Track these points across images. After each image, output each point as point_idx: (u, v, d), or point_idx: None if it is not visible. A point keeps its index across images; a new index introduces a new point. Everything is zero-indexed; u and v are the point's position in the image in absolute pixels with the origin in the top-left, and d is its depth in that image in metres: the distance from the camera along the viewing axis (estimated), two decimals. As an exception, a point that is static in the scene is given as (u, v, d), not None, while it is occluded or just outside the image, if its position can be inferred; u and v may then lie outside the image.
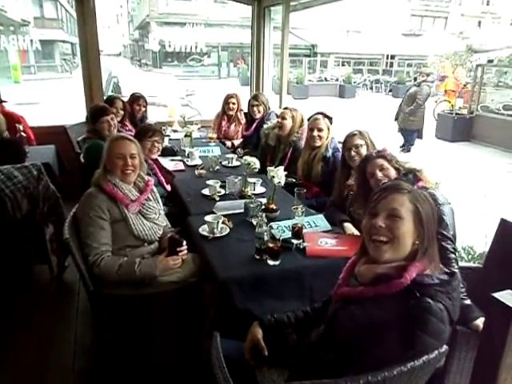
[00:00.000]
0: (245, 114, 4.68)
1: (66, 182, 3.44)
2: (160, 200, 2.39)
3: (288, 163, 3.35)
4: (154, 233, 2.22)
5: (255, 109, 4.43)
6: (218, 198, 2.71)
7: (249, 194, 2.76)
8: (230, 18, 28.57)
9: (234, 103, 4.56)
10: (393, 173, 2.07)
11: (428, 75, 8.86)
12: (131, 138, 2.31)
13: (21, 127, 3.78)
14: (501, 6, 34.14)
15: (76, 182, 3.01)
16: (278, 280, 1.90)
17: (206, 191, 2.81)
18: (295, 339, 1.50)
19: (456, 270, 1.30)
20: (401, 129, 8.76)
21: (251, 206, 2.39)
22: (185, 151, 3.87)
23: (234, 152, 4.09)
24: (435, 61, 12.92)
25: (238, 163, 3.54)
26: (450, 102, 10.38)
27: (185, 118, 4.83)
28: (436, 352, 1.15)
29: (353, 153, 2.53)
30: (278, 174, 2.38)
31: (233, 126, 4.64)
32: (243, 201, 2.51)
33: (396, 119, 8.75)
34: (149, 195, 2.27)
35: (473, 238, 2.94)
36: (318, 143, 3.09)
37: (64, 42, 31.13)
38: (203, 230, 2.21)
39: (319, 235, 2.19)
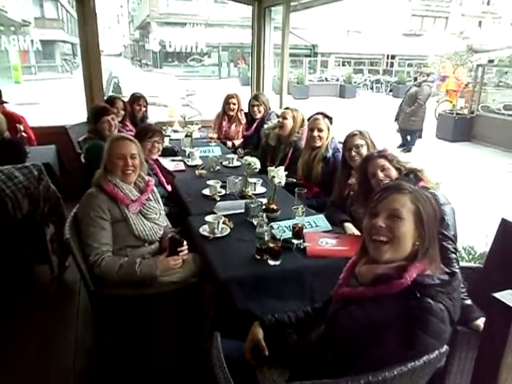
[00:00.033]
0: (245, 114, 4.69)
1: (66, 183, 3.45)
2: (160, 200, 2.39)
3: (288, 163, 3.35)
4: (155, 233, 2.22)
5: (256, 109, 4.43)
6: (218, 198, 2.71)
7: (249, 194, 2.76)
8: (231, 18, 28.58)
9: (234, 103, 4.56)
10: (394, 173, 2.07)
11: (428, 75, 8.86)
12: (131, 138, 2.32)
13: (21, 127, 3.79)
14: (501, 5, 34.11)
15: (76, 182, 3.02)
16: (279, 280, 1.90)
17: (206, 191, 2.81)
18: (296, 339, 1.50)
19: (457, 270, 1.30)
20: (401, 129, 8.75)
21: (252, 206, 2.39)
22: (185, 151, 3.87)
23: (234, 152, 4.09)
24: (435, 61, 12.90)
25: (238, 163, 3.54)
26: (451, 102, 10.37)
27: (185, 118, 4.83)
28: (436, 352, 1.15)
29: (353, 153, 2.53)
30: (279, 174, 2.38)
31: (233, 127, 4.64)
32: (244, 201, 2.52)
33: (396, 120, 8.75)
34: (149, 195, 2.27)
35: (473, 238, 2.94)
36: (318, 143, 3.09)
37: (64, 42, 31.17)
38: (204, 230, 2.21)
39: (320, 235, 2.19)
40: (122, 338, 2.11)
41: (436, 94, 12.91)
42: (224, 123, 4.66)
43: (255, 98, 4.52)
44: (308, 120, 3.26)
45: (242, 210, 2.45)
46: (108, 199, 2.09)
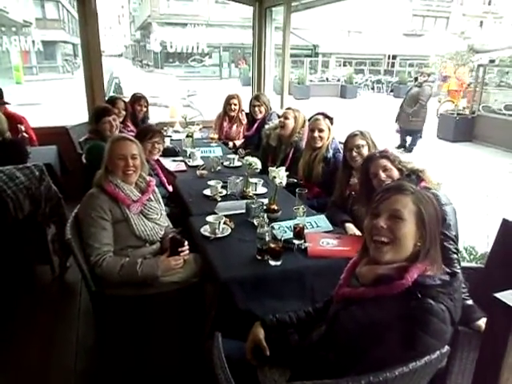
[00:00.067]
0: (246, 114, 4.69)
1: (67, 183, 3.45)
2: (162, 200, 2.39)
3: (289, 164, 3.34)
4: (156, 233, 2.22)
5: (257, 109, 4.44)
6: (219, 199, 2.71)
7: (250, 194, 2.77)
8: (231, 18, 28.61)
9: (235, 104, 4.56)
10: (396, 173, 2.07)
11: (429, 75, 8.84)
12: (132, 138, 2.32)
13: (23, 128, 3.79)
14: (503, 5, 34.08)
15: (78, 182, 3.02)
16: (280, 280, 1.90)
17: (207, 192, 2.81)
18: (297, 339, 1.50)
19: (458, 271, 1.30)
20: (402, 130, 8.73)
21: (253, 206, 2.39)
22: (186, 152, 3.87)
23: (235, 152, 4.09)
24: (436, 61, 12.91)
25: (239, 164, 3.54)
26: (453, 102, 10.35)
27: (186, 119, 4.83)
28: (438, 352, 1.15)
29: (354, 153, 2.52)
30: (280, 175, 2.38)
31: (234, 127, 4.65)
32: (245, 201, 2.52)
33: (397, 120, 8.73)
34: (150, 196, 2.27)
35: (475, 238, 2.94)
36: (319, 144, 3.09)
37: (66, 42, 31.22)
38: (205, 230, 2.21)
39: (321, 235, 2.19)
40: (123, 338, 2.11)
41: (437, 94, 12.90)
42: (225, 124, 4.66)
43: (256, 98, 4.52)
44: (308, 120, 3.25)
45: (243, 211, 2.45)
46: (109, 199, 2.09)
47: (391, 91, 22.01)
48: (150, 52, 32.29)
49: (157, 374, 2.08)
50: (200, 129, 4.54)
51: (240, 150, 4.17)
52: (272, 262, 1.92)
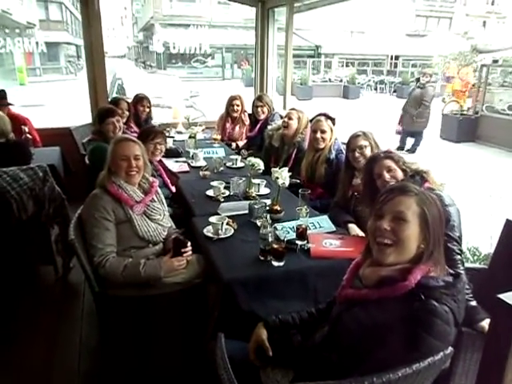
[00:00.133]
0: (249, 115, 4.69)
1: (71, 184, 3.46)
2: (165, 201, 2.40)
3: (292, 164, 3.34)
4: (159, 234, 2.22)
5: (259, 110, 4.44)
6: (222, 199, 2.71)
7: (253, 195, 2.77)
8: (234, 19, 28.61)
9: (238, 105, 4.56)
10: (400, 174, 2.06)
11: (431, 76, 8.81)
12: (135, 139, 2.32)
13: (26, 129, 3.81)
14: (506, 5, 33.95)
15: (81, 183, 3.02)
16: (283, 281, 1.90)
17: (210, 192, 2.81)
18: (300, 340, 1.50)
19: (461, 272, 1.30)
20: (405, 131, 8.69)
21: (255, 207, 2.39)
22: (189, 152, 3.88)
23: (238, 153, 4.10)
24: (440, 61, 12.88)
25: (242, 164, 3.54)
26: (458, 103, 10.31)
27: (189, 120, 4.84)
28: (441, 354, 1.15)
29: (357, 154, 2.52)
30: (283, 175, 2.38)
31: (237, 128, 4.64)
32: (247, 202, 2.52)
33: (400, 122, 8.70)
34: (153, 196, 2.27)
35: (478, 239, 2.93)
36: (322, 145, 3.08)
37: (69, 44, 31.33)
38: (208, 231, 2.21)
39: (323, 236, 2.19)
40: (126, 338, 2.11)
41: (440, 94, 12.86)
42: (227, 125, 4.66)
43: (259, 98, 4.52)
44: (310, 121, 3.25)
45: (246, 211, 2.45)
46: (112, 200, 2.09)
47: (394, 92, 21.97)
48: (153, 53, 32.31)
49: (160, 375, 2.08)
50: (203, 130, 4.55)
51: (243, 150, 4.18)
52: (275, 263, 1.92)
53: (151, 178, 2.34)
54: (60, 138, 4.10)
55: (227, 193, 2.80)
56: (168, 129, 4.74)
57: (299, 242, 2.07)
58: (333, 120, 3.14)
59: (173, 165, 3.47)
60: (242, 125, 4.65)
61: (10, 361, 2.37)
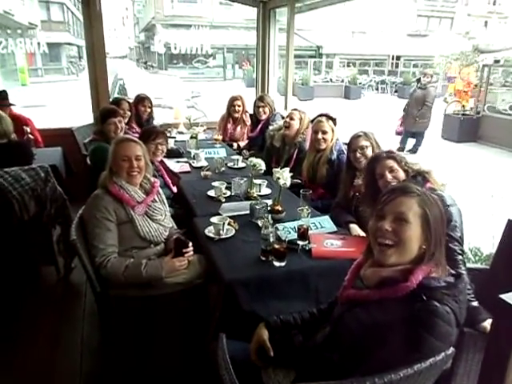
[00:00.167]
0: (250, 115, 4.69)
1: (72, 184, 3.46)
2: (166, 201, 2.40)
3: (293, 164, 3.35)
4: (160, 234, 2.22)
5: (261, 110, 4.44)
6: (223, 200, 2.71)
7: (254, 195, 2.77)
8: (235, 19, 28.63)
9: (239, 105, 4.56)
10: (402, 174, 2.05)
11: (432, 76, 8.79)
12: (136, 139, 2.32)
13: (28, 129, 3.82)
14: (507, 5, 33.90)
15: (83, 184, 3.03)
16: (284, 281, 1.90)
17: (211, 193, 2.81)
18: (301, 340, 1.50)
19: (463, 272, 1.30)
20: (406, 132, 8.68)
21: (257, 207, 2.39)
22: (190, 153, 3.88)
23: (239, 154, 4.10)
24: (441, 61, 12.87)
25: (243, 165, 3.54)
26: (460, 103, 10.29)
27: (190, 120, 4.84)
28: (443, 354, 1.15)
29: (358, 154, 2.52)
30: (284, 176, 2.38)
31: (238, 129, 4.64)
32: (249, 202, 2.51)
33: (401, 123, 8.68)
34: (155, 197, 2.28)
35: (480, 239, 2.92)
36: (323, 146, 3.08)
37: (70, 44, 31.35)
38: (209, 231, 2.21)
39: (325, 236, 2.18)
40: (128, 339, 2.12)
41: (441, 94, 12.84)
42: (229, 125, 4.66)
43: (260, 99, 4.53)
44: (311, 122, 3.24)
45: (247, 212, 2.45)
46: (114, 201, 2.10)
47: (395, 92, 21.95)
48: (155, 53, 32.38)
49: (161, 375, 2.08)
50: (204, 130, 4.55)
51: (244, 151, 4.18)
52: (276, 263, 1.92)
53: (152, 179, 2.34)
54: (62, 138, 4.11)
55: (228, 193, 2.80)
56: (169, 129, 4.75)
57: (300, 243, 2.07)
58: (334, 120, 3.13)
59: (174, 165, 3.48)
60: (243, 125, 4.65)
61: (12, 361, 2.37)
